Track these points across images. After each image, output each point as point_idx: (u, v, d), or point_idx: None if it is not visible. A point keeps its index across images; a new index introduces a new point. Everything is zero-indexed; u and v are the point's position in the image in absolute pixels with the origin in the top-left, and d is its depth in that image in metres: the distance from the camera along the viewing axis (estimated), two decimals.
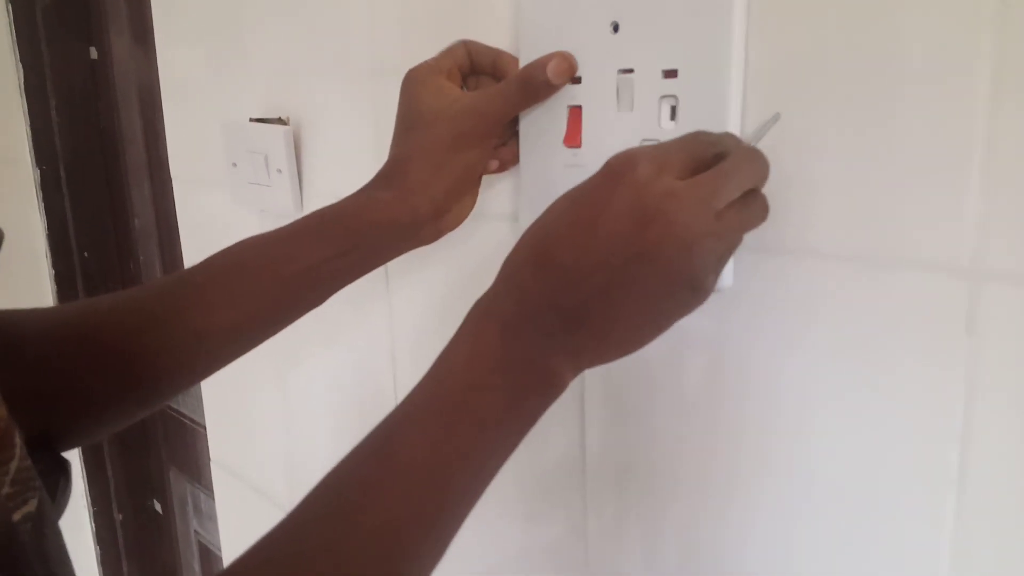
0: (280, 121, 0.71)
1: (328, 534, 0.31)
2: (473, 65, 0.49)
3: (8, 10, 1.38)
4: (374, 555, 0.31)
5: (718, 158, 0.35)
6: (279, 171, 0.71)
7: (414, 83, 0.48)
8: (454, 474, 0.33)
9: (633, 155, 0.33)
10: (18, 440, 0.28)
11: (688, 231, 0.32)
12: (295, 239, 0.47)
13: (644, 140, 0.43)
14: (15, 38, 1.38)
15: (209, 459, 1.05)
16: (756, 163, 0.36)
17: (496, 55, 0.49)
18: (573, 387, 0.52)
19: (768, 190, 0.40)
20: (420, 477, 0.33)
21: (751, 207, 0.36)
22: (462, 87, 0.50)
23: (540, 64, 0.45)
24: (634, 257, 0.32)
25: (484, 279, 0.37)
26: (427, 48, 0.49)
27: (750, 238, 0.41)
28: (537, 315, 0.34)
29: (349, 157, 0.67)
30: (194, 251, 0.96)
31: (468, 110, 0.46)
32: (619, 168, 0.33)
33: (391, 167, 0.48)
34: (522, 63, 0.47)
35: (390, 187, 0.47)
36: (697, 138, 0.36)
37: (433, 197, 0.47)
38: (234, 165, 0.76)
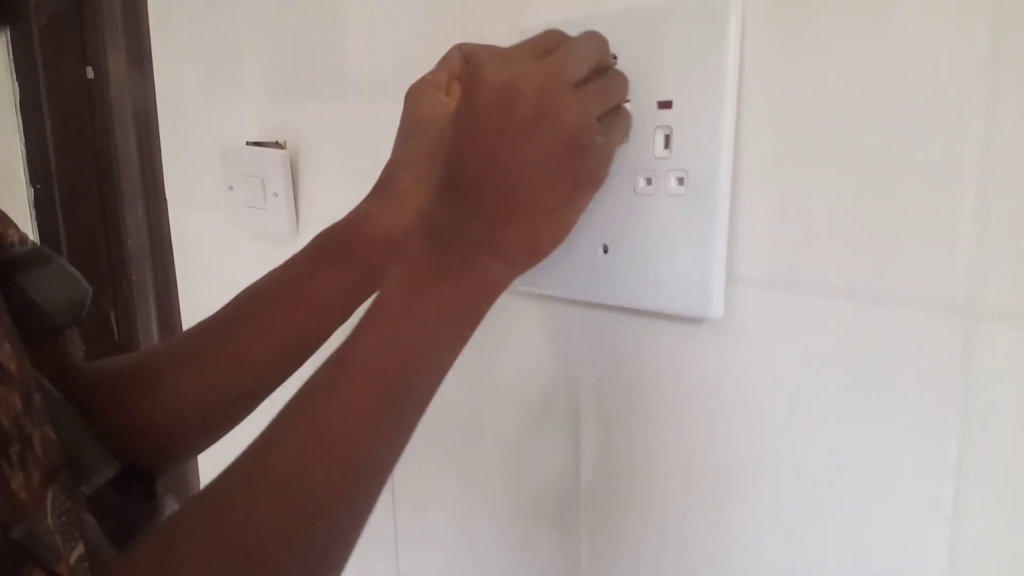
0: (277, 145, 0.71)
1: (290, 454, 0.33)
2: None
3: (5, 29, 1.38)
4: (337, 462, 0.34)
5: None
6: (275, 195, 0.71)
7: (413, 97, 0.48)
8: (404, 373, 0.35)
9: (480, 62, 0.36)
10: (49, 502, 0.32)
11: (546, 97, 0.35)
12: (301, 264, 0.48)
13: (638, 170, 0.44)
14: (11, 57, 1.39)
15: (199, 484, 1.04)
16: (595, 42, 0.39)
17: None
18: (568, 411, 0.53)
19: (764, 223, 0.40)
20: (370, 379, 0.35)
21: (607, 77, 0.40)
22: None
23: None
24: (513, 137, 0.35)
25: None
26: (426, 72, 0.50)
27: (746, 270, 0.42)
28: (456, 226, 0.37)
29: (347, 181, 0.67)
30: (188, 274, 0.96)
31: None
32: (473, 79, 0.36)
33: (381, 177, 0.49)
34: None
35: (377, 198, 0.48)
36: (538, 36, 0.39)
37: (417, 206, 0.47)
38: (230, 188, 0.76)
